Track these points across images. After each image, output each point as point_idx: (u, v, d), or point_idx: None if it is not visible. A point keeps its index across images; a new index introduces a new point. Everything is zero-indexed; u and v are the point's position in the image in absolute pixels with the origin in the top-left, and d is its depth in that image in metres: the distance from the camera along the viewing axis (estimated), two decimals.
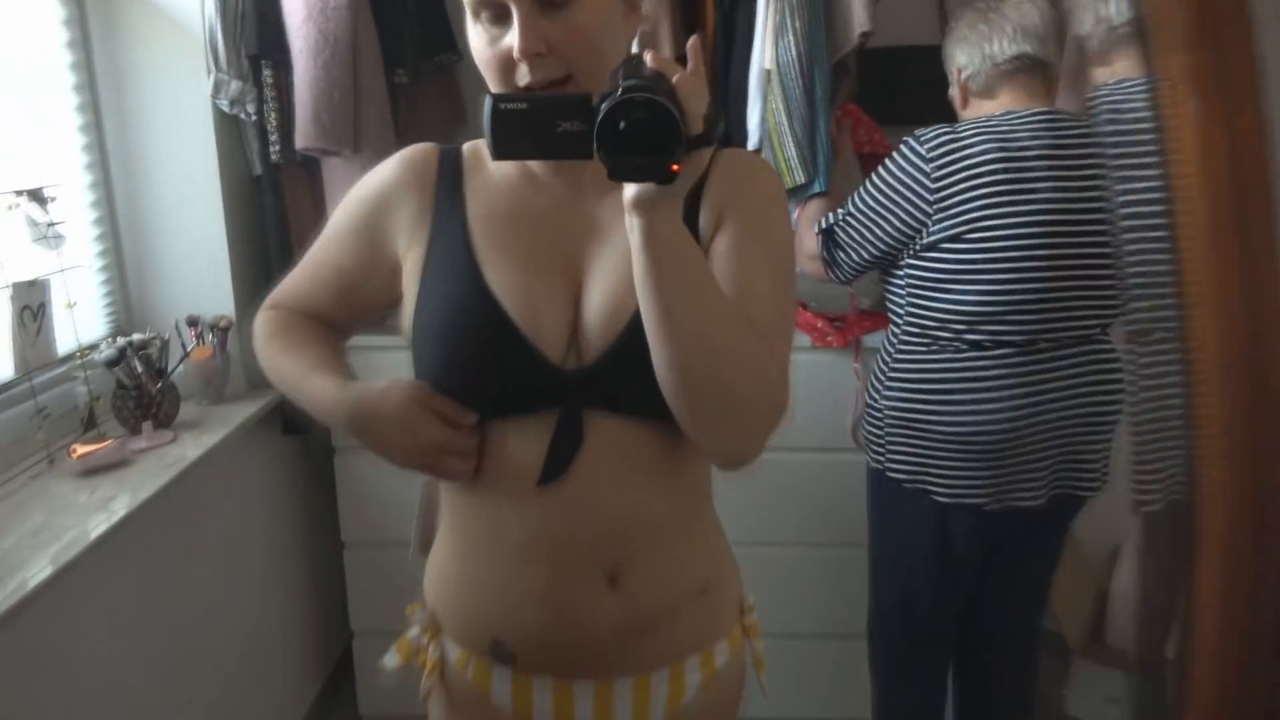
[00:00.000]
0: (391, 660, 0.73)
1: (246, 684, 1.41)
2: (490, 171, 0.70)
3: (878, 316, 1.38)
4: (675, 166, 0.51)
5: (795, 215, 1.41)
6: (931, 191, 1.07)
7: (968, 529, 1.14)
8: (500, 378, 0.65)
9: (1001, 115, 1.09)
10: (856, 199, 1.15)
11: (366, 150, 1.46)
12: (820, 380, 1.42)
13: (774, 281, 0.65)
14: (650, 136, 0.50)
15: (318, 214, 1.50)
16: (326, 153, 1.43)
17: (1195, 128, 0.37)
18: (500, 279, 0.66)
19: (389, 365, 0.88)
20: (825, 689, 1.59)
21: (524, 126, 0.54)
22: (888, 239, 1.12)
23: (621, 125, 0.50)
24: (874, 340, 1.35)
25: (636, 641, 0.68)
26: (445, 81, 1.71)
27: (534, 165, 0.69)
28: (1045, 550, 1.22)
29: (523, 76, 0.61)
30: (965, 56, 1.14)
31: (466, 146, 0.72)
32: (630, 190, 0.53)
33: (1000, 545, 1.18)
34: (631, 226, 0.55)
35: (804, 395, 1.34)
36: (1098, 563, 1.58)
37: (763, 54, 1.45)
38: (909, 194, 1.09)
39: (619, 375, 0.64)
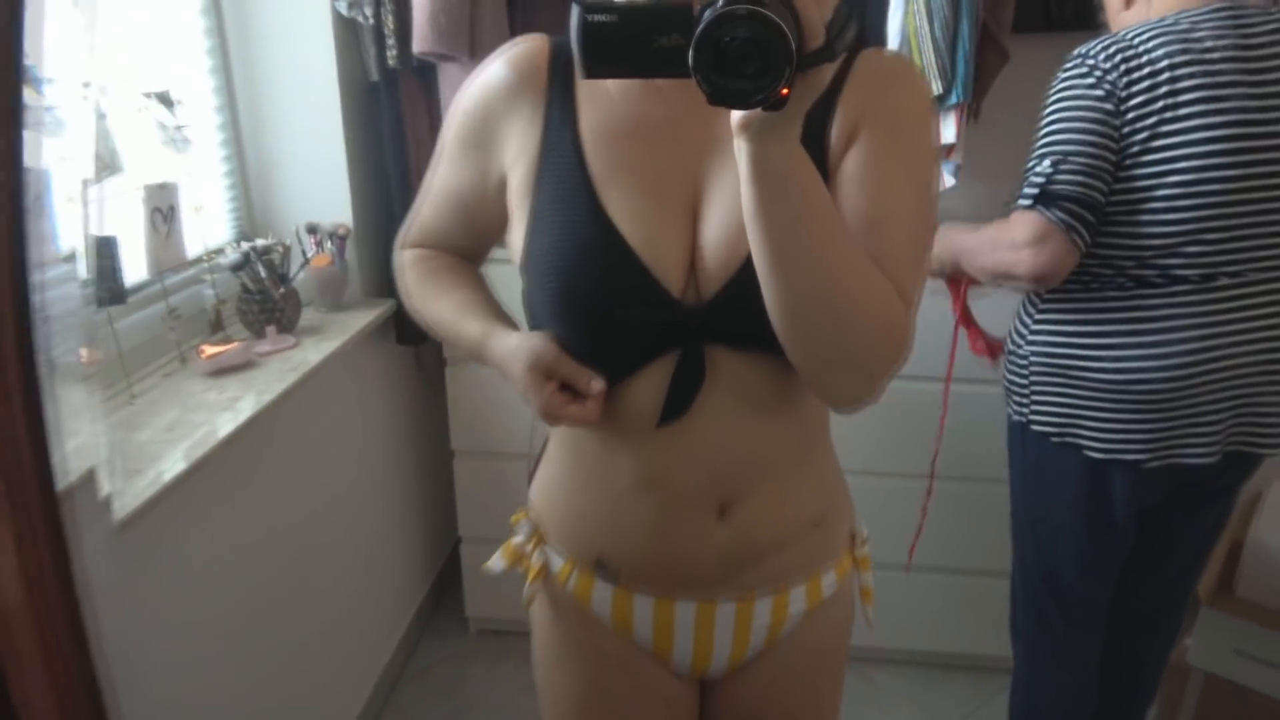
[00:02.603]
0: (497, 564, 0.73)
1: (361, 581, 1.47)
2: (608, 85, 0.63)
3: None
4: (785, 90, 0.43)
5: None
6: (1112, 111, 0.93)
7: (1125, 489, 1.01)
8: (623, 320, 0.60)
9: (1178, 13, 0.94)
10: (1054, 150, 0.94)
11: (483, 56, 1.42)
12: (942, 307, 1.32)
13: (911, 208, 0.58)
14: (756, 55, 0.43)
15: (433, 122, 1.47)
16: (443, 58, 1.39)
17: None
18: (619, 205, 0.60)
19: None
20: (941, 621, 1.56)
21: (616, 41, 0.46)
22: (1109, 170, 0.93)
23: (724, 42, 0.43)
24: None
25: (742, 569, 0.67)
26: None
27: (659, 82, 0.60)
28: (1212, 515, 1.08)
29: None
30: None
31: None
32: (737, 114, 0.46)
33: (1161, 508, 1.05)
34: (740, 152, 0.48)
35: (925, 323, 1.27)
36: (1235, 511, 1.47)
37: None
38: (1099, 116, 0.92)
39: (740, 310, 0.57)
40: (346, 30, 1.39)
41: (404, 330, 1.55)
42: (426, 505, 1.72)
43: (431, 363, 1.65)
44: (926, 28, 1.33)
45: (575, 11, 0.46)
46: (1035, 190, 0.95)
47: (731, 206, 0.59)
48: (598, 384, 0.61)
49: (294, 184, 1.40)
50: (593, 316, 0.60)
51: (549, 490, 0.71)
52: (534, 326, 0.63)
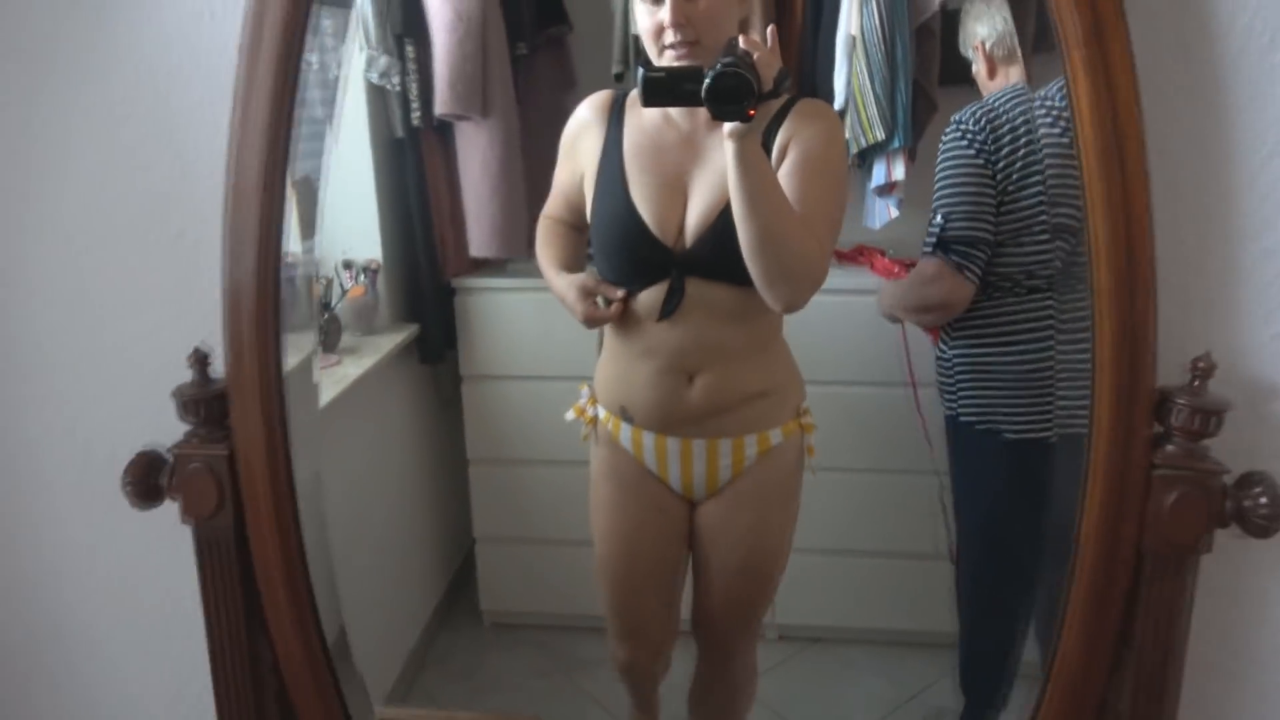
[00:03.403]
0: (570, 415, 1.13)
1: (388, 575, 1.66)
2: (644, 114, 1.02)
3: None
4: (752, 111, 0.80)
5: (881, 179, 1.52)
6: (984, 164, 1.18)
7: (1038, 462, 1.22)
8: (638, 260, 1.00)
9: (1026, 82, 1.19)
10: (944, 205, 1.24)
11: (493, 115, 1.66)
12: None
13: (822, 193, 0.95)
14: (736, 93, 0.78)
15: (450, 171, 1.70)
16: (459, 118, 1.63)
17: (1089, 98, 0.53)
18: (639, 192, 0.99)
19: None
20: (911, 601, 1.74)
21: (664, 86, 0.83)
22: (989, 219, 1.21)
23: (718, 87, 0.78)
24: None
25: (707, 420, 1.04)
26: (557, 51, 1.88)
27: (674, 111, 1.00)
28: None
29: (669, 38, 0.91)
30: (986, 28, 1.24)
31: (631, 93, 1.03)
32: (727, 126, 0.83)
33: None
34: (727, 149, 0.84)
35: (877, 335, 1.49)
36: None
37: (849, 22, 1.56)
38: (974, 171, 1.19)
39: (708, 254, 0.97)
40: (376, 96, 1.63)
41: (425, 351, 1.76)
42: (444, 509, 1.92)
43: (448, 380, 1.86)
44: (869, 85, 1.56)
45: (641, 71, 0.84)
46: (934, 239, 1.22)
47: (704, 193, 0.97)
48: (620, 290, 1.00)
49: (333, 225, 1.63)
50: (619, 256, 1.01)
51: (600, 368, 1.10)
52: (595, 262, 1.04)
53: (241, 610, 0.81)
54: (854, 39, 1.55)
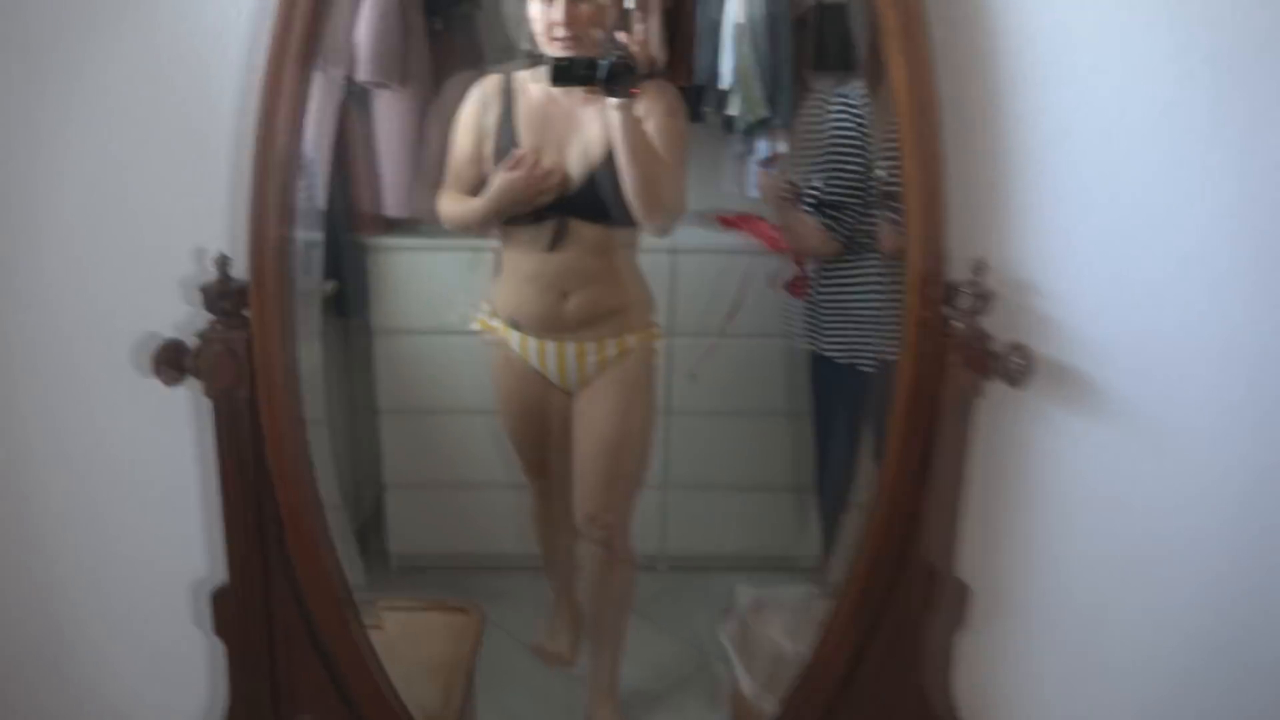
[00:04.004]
0: (474, 325, 1.54)
1: None
2: (530, 92, 1.39)
3: None
4: (635, 91, 1.24)
5: (762, 168, 1.87)
6: (860, 137, 1.54)
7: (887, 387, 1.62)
8: (530, 205, 1.40)
9: None
10: (822, 173, 1.59)
11: (410, 84, 1.93)
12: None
13: (675, 148, 1.38)
14: (624, 77, 1.21)
15: (367, 137, 1.96)
16: (379, 85, 1.88)
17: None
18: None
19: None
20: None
21: (568, 71, 1.24)
22: (860, 184, 1.56)
23: (612, 72, 1.20)
24: None
25: (579, 328, 1.48)
26: (467, 28, 2.17)
27: (555, 89, 1.34)
28: None
29: (557, 33, 1.29)
30: None
31: (515, 75, 1.41)
32: (613, 100, 1.25)
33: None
34: (614, 117, 1.27)
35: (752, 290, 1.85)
36: None
37: (736, 11, 1.92)
38: (854, 145, 1.55)
39: (585, 200, 1.38)
40: None
41: (343, 305, 2.00)
42: (355, 457, 2.15)
43: (359, 331, 2.10)
44: (754, 69, 1.93)
45: (552, 61, 1.24)
46: (813, 201, 1.59)
47: (581, 154, 1.36)
48: (532, 156, 1.38)
49: None
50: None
51: (496, 289, 1.52)
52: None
53: (251, 467, 1.08)
54: (740, 27, 1.91)
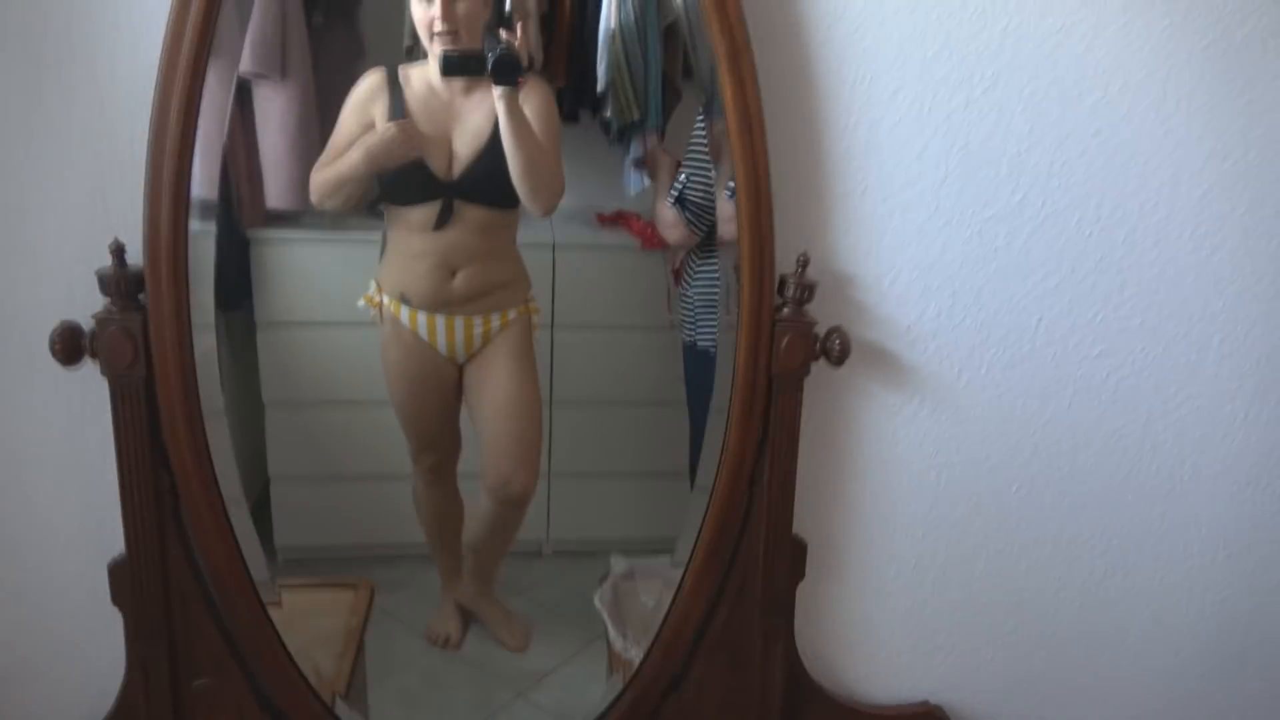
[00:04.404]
0: (361, 303, 1.66)
1: None
2: (414, 84, 1.53)
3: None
4: (522, 80, 1.41)
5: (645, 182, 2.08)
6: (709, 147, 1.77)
7: None
8: (417, 185, 1.55)
9: None
10: (686, 172, 1.81)
11: (290, 77, 2.07)
12: (647, 274, 2.12)
13: (552, 136, 1.56)
14: (511, 68, 1.39)
15: (246, 129, 2.09)
16: (259, 77, 2.02)
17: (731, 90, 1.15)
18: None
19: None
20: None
21: (456, 63, 1.43)
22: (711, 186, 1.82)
23: (499, 64, 1.38)
24: None
25: (465, 303, 1.63)
26: (349, 21, 2.32)
27: (436, 81, 1.51)
28: None
29: (437, 28, 1.44)
30: None
31: (400, 69, 1.57)
32: (499, 90, 1.42)
33: None
34: (500, 105, 1.44)
35: (634, 287, 2.06)
36: None
37: (609, 19, 2.13)
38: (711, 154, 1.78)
39: (469, 184, 1.53)
40: None
41: (224, 298, 2.12)
42: (239, 450, 2.27)
43: (240, 326, 2.22)
44: (626, 73, 2.14)
45: (442, 53, 1.43)
46: (675, 194, 1.79)
47: (465, 141, 1.50)
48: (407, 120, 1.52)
49: None
50: (405, 185, 1.56)
51: (384, 265, 1.65)
52: (382, 193, 1.57)
53: (148, 444, 1.24)
54: (614, 33, 2.12)
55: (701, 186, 1.81)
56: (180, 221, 1.21)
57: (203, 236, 1.34)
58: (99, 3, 1.25)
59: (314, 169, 1.62)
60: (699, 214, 1.81)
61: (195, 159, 1.23)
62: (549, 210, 1.61)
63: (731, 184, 1.74)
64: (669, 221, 1.84)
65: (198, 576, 1.33)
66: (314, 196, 1.63)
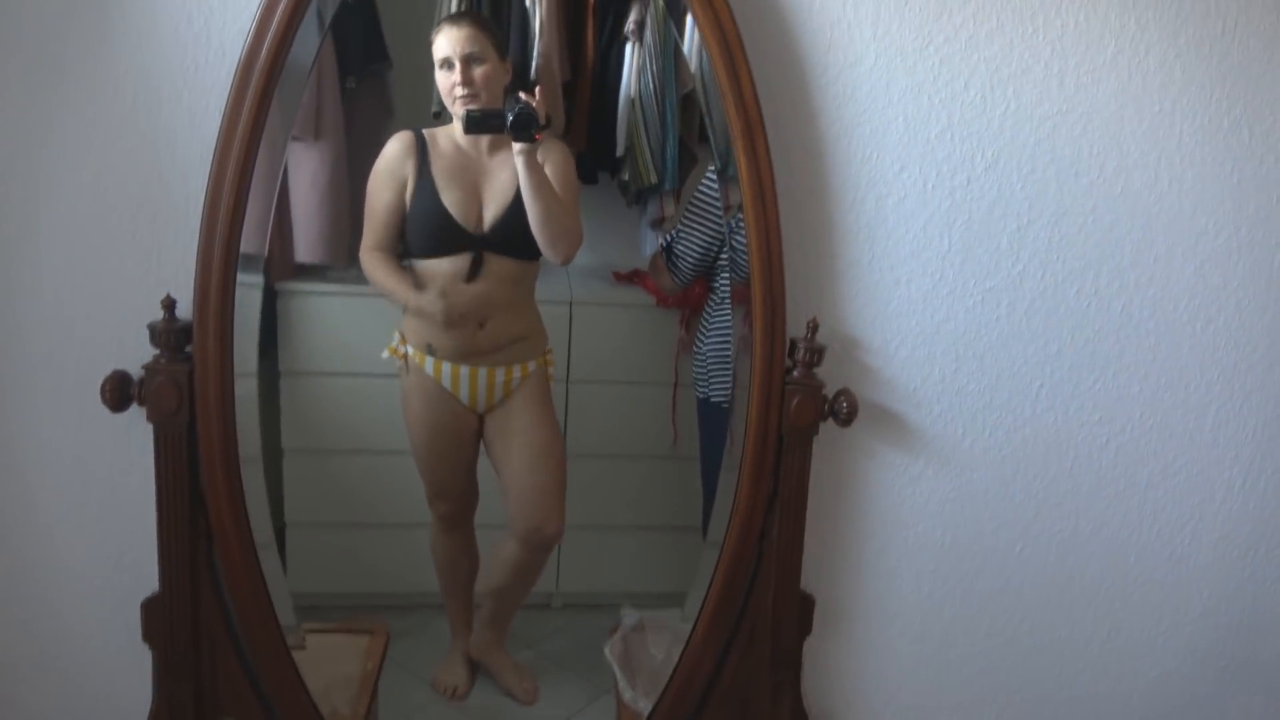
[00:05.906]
0: (385, 354, 1.79)
1: None
2: (440, 145, 1.67)
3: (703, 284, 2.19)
4: (539, 136, 1.53)
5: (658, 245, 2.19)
6: (724, 206, 1.87)
7: None
8: (448, 241, 1.67)
9: None
10: (680, 226, 1.94)
11: (323, 138, 2.19)
12: (661, 331, 2.21)
13: (570, 190, 1.69)
14: (529, 125, 1.51)
15: (281, 185, 2.20)
16: (293, 139, 2.14)
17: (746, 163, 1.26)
18: (448, 198, 1.67)
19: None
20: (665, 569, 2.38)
21: (479, 121, 1.56)
22: (705, 244, 1.91)
23: (518, 121, 1.50)
24: None
25: (488, 354, 1.76)
26: (379, 85, 2.45)
27: (463, 140, 1.65)
28: None
29: (459, 93, 1.59)
30: None
31: (425, 131, 1.70)
32: (518, 146, 1.55)
33: None
34: (520, 161, 1.56)
35: (649, 342, 2.15)
36: None
37: (629, 87, 2.26)
38: (710, 212, 1.89)
39: (498, 237, 1.67)
40: None
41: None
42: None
43: (266, 375, 2.32)
44: (644, 138, 2.26)
45: (465, 111, 1.57)
46: (665, 242, 1.92)
47: (493, 197, 1.65)
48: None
49: None
50: (435, 240, 1.68)
51: (410, 316, 1.76)
52: (412, 248, 1.70)
53: (187, 487, 1.32)
54: (633, 100, 2.24)
55: (687, 240, 1.92)
56: (229, 282, 1.32)
57: (246, 288, 1.44)
58: (163, 77, 1.38)
59: (362, 247, 1.73)
60: (681, 267, 1.91)
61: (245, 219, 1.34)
62: (568, 259, 1.71)
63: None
64: (657, 267, 1.97)
65: (226, 617, 1.42)
66: (373, 278, 1.75)
